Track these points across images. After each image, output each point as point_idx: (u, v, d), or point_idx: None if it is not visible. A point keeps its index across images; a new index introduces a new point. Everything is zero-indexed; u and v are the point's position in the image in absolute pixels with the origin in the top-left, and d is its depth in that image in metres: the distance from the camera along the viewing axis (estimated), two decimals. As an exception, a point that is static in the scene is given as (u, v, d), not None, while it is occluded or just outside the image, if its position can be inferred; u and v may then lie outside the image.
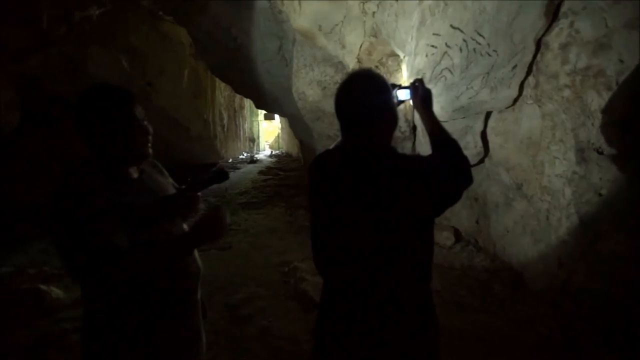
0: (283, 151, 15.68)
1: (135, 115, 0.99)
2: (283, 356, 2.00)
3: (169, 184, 1.15)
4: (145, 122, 1.02)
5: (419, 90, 1.14)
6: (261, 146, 18.36)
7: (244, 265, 3.41)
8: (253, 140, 16.90)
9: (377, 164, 0.94)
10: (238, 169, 10.78)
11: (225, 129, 12.33)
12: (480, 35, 2.08)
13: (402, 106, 1.48)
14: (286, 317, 2.38)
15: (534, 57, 2.32)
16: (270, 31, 4.14)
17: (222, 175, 1.10)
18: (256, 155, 14.40)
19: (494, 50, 2.16)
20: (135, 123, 0.99)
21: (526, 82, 2.49)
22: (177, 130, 8.36)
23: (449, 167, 1.01)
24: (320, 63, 3.86)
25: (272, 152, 16.78)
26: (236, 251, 3.89)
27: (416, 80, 1.17)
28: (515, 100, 2.60)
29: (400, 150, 1.03)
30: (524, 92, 2.54)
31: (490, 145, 3.02)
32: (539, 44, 2.26)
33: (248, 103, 14.72)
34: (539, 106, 2.45)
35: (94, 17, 5.38)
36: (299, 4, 2.78)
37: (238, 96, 12.61)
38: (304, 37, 3.32)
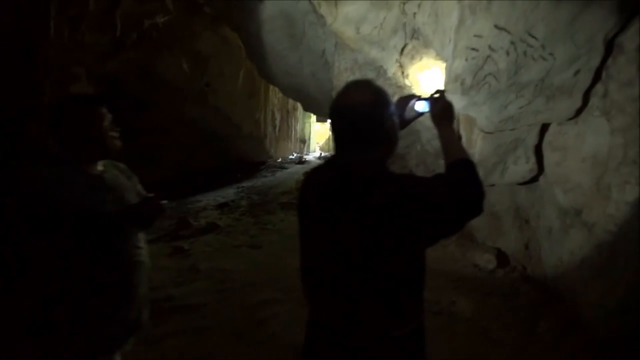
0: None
1: (97, 117, 1.12)
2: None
3: (134, 189, 1.27)
4: (108, 124, 1.15)
5: (438, 103, 1.02)
6: (312, 147, 18.59)
7: (270, 266, 3.43)
8: (304, 141, 17.19)
9: (363, 184, 0.86)
10: (285, 168, 11.02)
11: (277, 129, 12.70)
12: (532, 36, 1.80)
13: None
14: (299, 326, 2.32)
15: (603, 61, 1.95)
16: (314, 34, 4.14)
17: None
18: (305, 156, 14.61)
19: (550, 54, 1.86)
20: (97, 124, 1.12)
21: (593, 91, 2.12)
22: (230, 128, 8.82)
23: (454, 193, 0.87)
24: (362, 66, 3.74)
25: (321, 153, 16.91)
26: (267, 251, 3.94)
27: (436, 91, 1.06)
28: (579, 112, 2.23)
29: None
30: (590, 102, 2.17)
31: (546, 161, 2.64)
32: (609, 45, 1.90)
33: (301, 105, 15.01)
34: (608, 119, 2.07)
35: (160, 25, 5.90)
36: (335, 5, 2.71)
37: (291, 98, 12.92)
38: (343, 40, 3.24)
